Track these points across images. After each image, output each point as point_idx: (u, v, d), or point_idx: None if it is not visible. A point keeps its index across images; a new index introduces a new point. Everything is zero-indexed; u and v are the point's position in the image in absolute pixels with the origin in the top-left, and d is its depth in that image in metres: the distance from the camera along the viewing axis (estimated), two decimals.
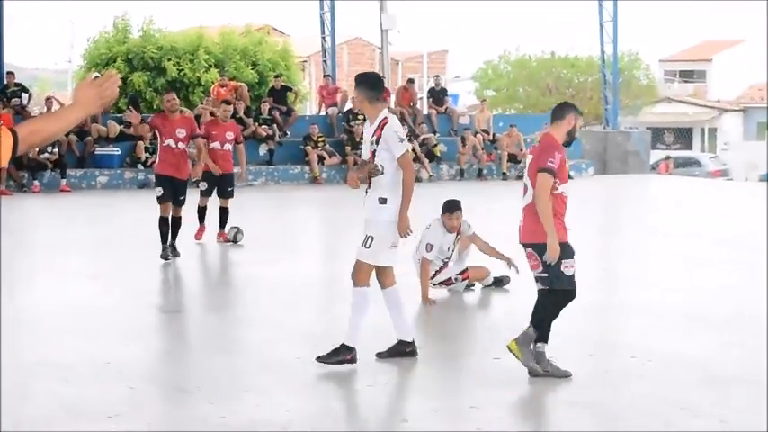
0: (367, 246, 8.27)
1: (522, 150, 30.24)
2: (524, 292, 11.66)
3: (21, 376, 7.97)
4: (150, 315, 10.58)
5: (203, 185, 15.46)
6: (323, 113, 30.86)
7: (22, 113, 26.30)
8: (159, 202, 13.92)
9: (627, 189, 28.38)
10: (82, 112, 4.37)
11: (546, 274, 7.90)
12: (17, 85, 27.77)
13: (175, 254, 13.90)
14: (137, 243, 15.23)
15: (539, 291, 8.06)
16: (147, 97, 34.03)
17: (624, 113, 48.47)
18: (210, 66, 34.82)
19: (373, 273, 8.41)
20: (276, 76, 31.72)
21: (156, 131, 14.15)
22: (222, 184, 15.47)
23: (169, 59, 34.53)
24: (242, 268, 13.77)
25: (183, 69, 34.65)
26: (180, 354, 8.95)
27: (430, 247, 11.09)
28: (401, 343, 8.46)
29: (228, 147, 15.48)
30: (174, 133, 13.93)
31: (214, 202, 15.40)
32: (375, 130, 8.28)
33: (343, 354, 8.16)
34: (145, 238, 14.93)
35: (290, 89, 30.95)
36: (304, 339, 9.38)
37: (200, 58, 34.94)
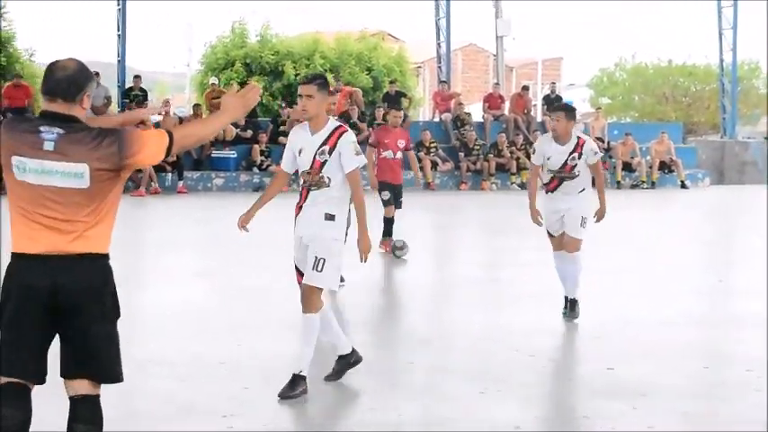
0: (319, 269, 7.41)
1: (636, 158, 29.93)
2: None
3: (135, 374, 8.13)
4: (263, 313, 10.70)
5: (386, 195, 15.11)
6: (436, 119, 30.89)
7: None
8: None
9: (743, 199, 27.89)
10: (229, 118, 5.02)
11: None
12: (141, 89, 28.43)
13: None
14: (248, 242, 15.40)
15: None
16: (264, 101, 34.43)
17: (742, 123, 47.67)
18: (326, 71, 35.10)
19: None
20: (391, 82, 31.87)
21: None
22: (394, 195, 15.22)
23: (285, 64, 34.88)
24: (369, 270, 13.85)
25: (299, 74, 34.99)
26: (293, 354, 9.04)
27: (533, 151, 10.87)
28: (342, 358, 7.95)
29: (400, 155, 15.22)
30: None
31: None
32: (327, 139, 7.50)
33: (299, 385, 7.45)
34: (257, 237, 15.07)
35: (404, 95, 31.07)
36: (415, 344, 9.43)
37: (315, 63, 35.26)
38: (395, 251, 14.82)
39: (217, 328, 10.06)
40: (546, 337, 9.78)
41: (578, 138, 10.44)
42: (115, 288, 5.00)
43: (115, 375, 5.03)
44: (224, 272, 13.57)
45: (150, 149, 4.81)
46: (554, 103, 32.53)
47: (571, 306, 10.34)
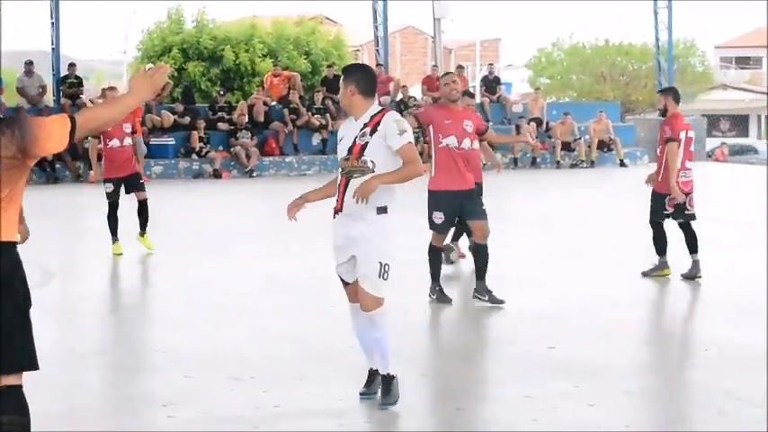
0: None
1: (575, 139, 30.09)
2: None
3: (76, 366, 8.05)
4: (210, 302, 10.63)
5: None
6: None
7: (78, 105, 26.67)
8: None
9: None
10: (135, 99, 4.82)
11: None
12: (76, 77, 28.16)
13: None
14: (190, 230, 15.32)
15: None
16: (203, 87, 34.21)
17: None
18: (265, 55, 34.94)
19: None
20: (329, 66, 31.77)
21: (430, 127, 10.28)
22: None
23: (223, 49, 34.69)
24: (295, 258, 13.80)
25: (238, 58, 34.79)
26: (234, 343, 8.99)
27: None
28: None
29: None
30: (462, 126, 10.23)
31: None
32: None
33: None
34: (198, 226, 15.00)
35: None
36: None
37: (254, 48, 35.08)
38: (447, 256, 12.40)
39: (157, 318, 9.99)
40: (488, 317, 9.79)
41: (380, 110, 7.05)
42: (25, 276, 4.89)
43: (30, 363, 4.92)
44: (163, 261, 13.46)
45: (54, 136, 4.70)
46: (492, 84, 32.67)
47: (384, 387, 7.00)
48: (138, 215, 13.76)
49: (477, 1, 77.87)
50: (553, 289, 10.56)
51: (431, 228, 10.28)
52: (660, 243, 11.75)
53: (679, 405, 7.00)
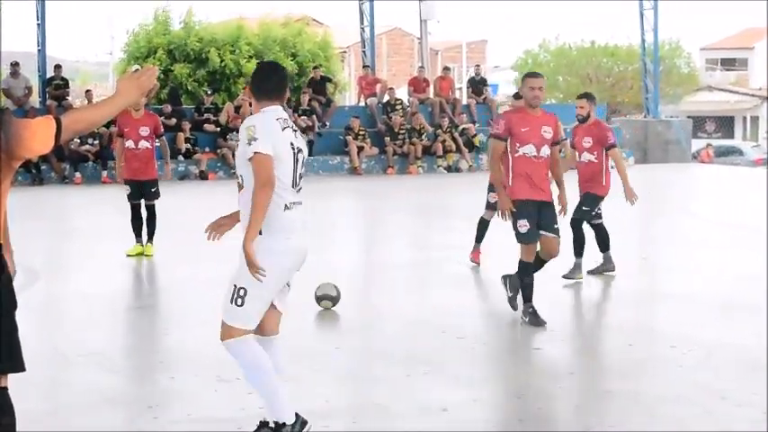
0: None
1: (562, 139, 30.12)
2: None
3: (61, 367, 8.03)
4: (196, 303, 10.61)
5: (493, 197, 11.68)
6: (362, 104, 30.87)
7: (64, 106, 26.65)
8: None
9: (667, 178, 28.19)
10: (123, 101, 4.79)
11: None
12: (62, 79, 28.11)
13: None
14: (177, 231, 15.30)
15: None
16: (189, 88, 34.16)
17: (665, 102, 48.20)
18: (251, 57, 34.91)
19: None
20: (315, 67, 31.77)
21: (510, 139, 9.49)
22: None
23: (209, 51, 34.66)
24: None
25: (224, 60, 34.75)
26: (219, 344, 8.97)
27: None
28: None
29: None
30: (540, 133, 9.46)
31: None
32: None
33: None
34: (177, 226, 14.95)
35: (329, 80, 31.01)
36: (342, 329, 9.42)
37: (241, 49, 35.06)
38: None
39: (142, 319, 9.97)
40: (474, 318, 9.80)
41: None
42: (10, 278, 4.88)
43: (17, 365, 4.91)
44: (150, 262, 13.43)
45: (39, 138, 4.68)
46: (478, 86, 32.69)
47: None
48: (147, 222, 13.65)
49: (463, 2, 77.98)
50: (538, 290, 10.56)
51: (518, 240, 9.37)
52: (582, 244, 11.75)
53: (664, 405, 7.01)
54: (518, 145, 9.29)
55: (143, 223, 13.61)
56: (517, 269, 9.45)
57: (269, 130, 5.82)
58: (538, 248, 9.42)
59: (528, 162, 9.28)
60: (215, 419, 6.68)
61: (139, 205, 13.63)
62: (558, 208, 9.59)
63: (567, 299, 11.02)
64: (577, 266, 11.62)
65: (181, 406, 7.05)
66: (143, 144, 13.65)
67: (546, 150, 9.36)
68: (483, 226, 12.51)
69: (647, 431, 6.52)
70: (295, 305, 5.96)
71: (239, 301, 5.85)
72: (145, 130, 13.64)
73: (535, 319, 9.29)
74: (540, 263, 9.54)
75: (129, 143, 13.64)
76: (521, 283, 9.43)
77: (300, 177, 6.02)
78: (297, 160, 5.95)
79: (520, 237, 9.31)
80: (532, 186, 9.29)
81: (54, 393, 7.38)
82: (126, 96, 4.78)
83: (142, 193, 13.58)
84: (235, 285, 5.87)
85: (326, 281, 10.05)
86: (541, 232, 9.33)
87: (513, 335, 9.48)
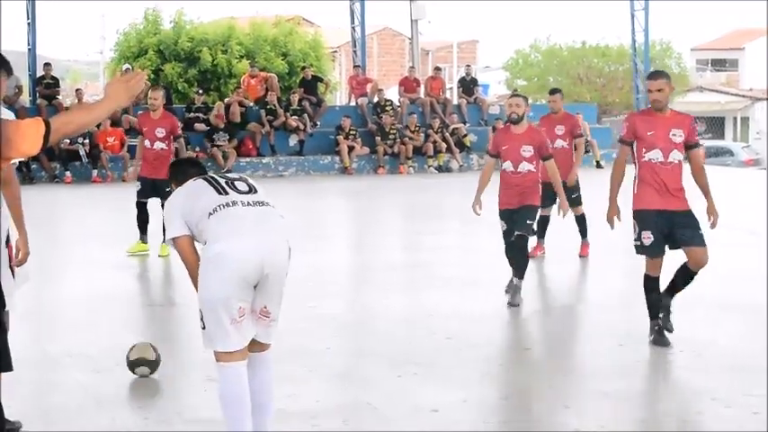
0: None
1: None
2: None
3: (50, 368, 8.01)
4: (185, 303, 10.60)
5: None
6: (353, 104, 30.86)
7: (54, 105, 26.62)
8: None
9: None
10: (112, 104, 4.76)
11: None
12: (52, 78, 28.06)
13: None
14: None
15: None
16: (180, 88, 34.13)
17: None
18: (242, 56, 34.90)
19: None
20: (304, 68, 31.75)
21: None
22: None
23: (201, 50, 34.64)
24: None
25: (216, 60, 34.73)
26: None
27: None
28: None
29: (561, 143, 13.07)
30: (668, 137, 9.78)
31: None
32: None
33: None
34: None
35: (320, 79, 30.99)
36: (335, 329, 9.41)
37: (232, 49, 35.05)
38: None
39: (132, 319, 9.95)
40: (464, 320, 9.79)
41: None
42: None
43: (5, 364, 4.90)
44: (140, 262, 13.40)
45: (28, 139, 4.67)
46: (469, 86, 32.67)
47: None
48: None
49: (454, 2, 78.03)
50: (528, 291, 10.56)
51: (638, 252, 8.81)
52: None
53: (655, 405, 7.01)
54: (644, 150, 8.71)
55: (148, 221, 13.68)
56: (643, 285, 8.87)
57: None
58: (686, 260, 8.75)
59: (654, 168, 8.69)
60: (205, 419, 6.67)
61: (145, 204, 13.68)
62: (703, 219, 8.83)
63: (556, 298, 11.02)
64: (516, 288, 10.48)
65: (171, 405, 7.05)
66: (158, 145, 13.71)
67: (677, 155, 8.69)
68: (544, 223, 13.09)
69: (638, 431, 6.53)
70: (285, 305, 5.92)
71: (201, 323, 5.71)
72: (161, 131, 13.72)
73: (660, 338, 8.64)
74: (689, 275, 8.84)
75: (147, 143, 13.78)
76: (646, 298, 8.85)
77: (229, 182, 5.87)
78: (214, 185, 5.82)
79: (642, 249, 8.69)
80: (661, 194, 8.67)
81: (44, 394, 7.36)
82: (115, 100, 4.76)
83: (155, 192, 13.55)
84: (199, 309, 5.72)
85: (142, 341, 8.16)
86: (684, 249, 8.65)
87: (503, 336, 9.49)
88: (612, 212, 8.96)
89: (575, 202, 12.91)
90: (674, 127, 8.68)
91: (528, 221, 10.10)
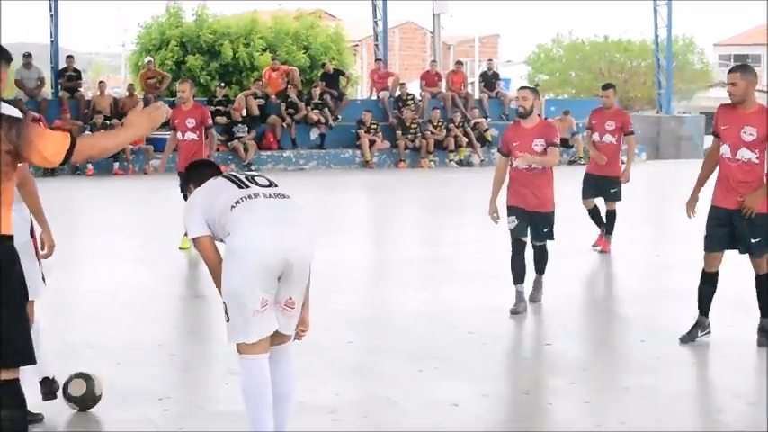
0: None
1: (573, 135, 30.06)
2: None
3: (70, 359, 8.03)
4: (200, 297, 10.61)
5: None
6: (374, 98, 30.85)
7: (76, 98, 26.72)
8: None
9: (679, 174, 28.03)
10: (133, 133, 4.96)
11: None
12: (75, 70, 28.15)
13: None
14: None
15: None
16: (202, 81, 34.15)
17: (678, 98, 48.08)
18: (264, 50, 34.92)
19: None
20: (322, 64, 31.76)
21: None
22: (604, 185, 13.30)
23: (222, 44, 34.68)
24: None
25: (237, 53, 34.76)
26: None
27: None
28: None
29: (610, 139, 13.30)
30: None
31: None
32: None
33: None
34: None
35: (341, 73, 30.97)
36: (353, 323, 9.40)
37: (254, 42, 35.07)
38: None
39: (153, 312, 9.97)
40: (485, 314, 9.78)
41: None
42: (22, 269, 4.90)
43: (29, 357, 4.93)
44: (161, 255, 13.43)
45: (50, 149, 4.72)
46: (491, 80, 32.62)
47: None
48: None
49: None
50: (548, 286, 10.53)
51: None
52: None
53: (676, 402, 6.99)
54: (720, 144, 8.44)
55: None
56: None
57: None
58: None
59: (724, 164, 8.37)
60: (226, 412, 6.68)
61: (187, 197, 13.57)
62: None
63: (577, 294, 11.00)
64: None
65: (192, 399, 7.06)
66: (189, 135, 13.71)
67: (745, 153, 8.24)
68: (594, 214, 13.36)
69: (658, 429, 6.50)
70: (314, 299, 5.91)
71: (225, 316, 5.67)
72: (191, 122, 13.71)
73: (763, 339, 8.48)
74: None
75: (179, 135, 13.79)
76: (698, 294, 8.69)
77: (249, 177, 5.92)
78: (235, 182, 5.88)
79: (704, 241, 8.58)
80: (726, 192, 8.35)
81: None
82: (137, 128, 4.93)
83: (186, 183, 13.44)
84: (223, 302, 5.69)
85: (77, 372, 7.03)
86: (748, 255, 8.46)
87: (523, 330, 9.48)
88: (689, 204, 8.83)
89: (613, 197, 13.19)
90: (748, 124, 8.25)
91: (545, 230, 9.94)
